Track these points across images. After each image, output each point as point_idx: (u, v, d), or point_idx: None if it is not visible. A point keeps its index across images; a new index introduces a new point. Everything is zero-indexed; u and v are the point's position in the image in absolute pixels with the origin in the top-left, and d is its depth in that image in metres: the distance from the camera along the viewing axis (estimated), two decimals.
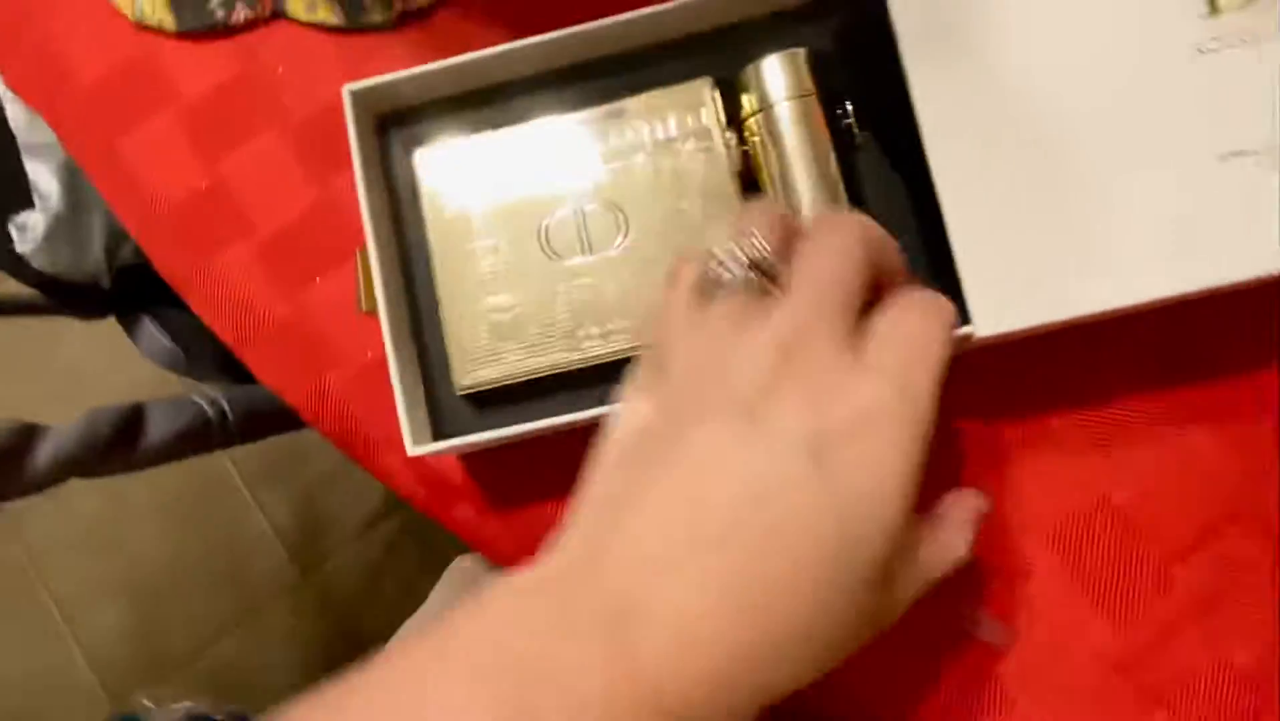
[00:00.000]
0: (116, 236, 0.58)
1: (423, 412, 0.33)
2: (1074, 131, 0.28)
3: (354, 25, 0.39)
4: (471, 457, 0.35)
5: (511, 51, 0.33)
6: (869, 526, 0.21)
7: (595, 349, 0.31)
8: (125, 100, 0.40)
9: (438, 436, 0.33)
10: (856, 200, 0.32)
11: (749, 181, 0.32)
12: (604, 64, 0.34)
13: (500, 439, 0.31)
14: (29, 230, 0.55)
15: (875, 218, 0.27)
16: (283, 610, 1.14)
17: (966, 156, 0.29)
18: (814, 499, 0.21)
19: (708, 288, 0.25)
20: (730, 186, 0.32)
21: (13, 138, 0.55)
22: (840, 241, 0.25)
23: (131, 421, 0.49)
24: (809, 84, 0.31)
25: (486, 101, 0.34)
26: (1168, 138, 0.28)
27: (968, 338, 0.29)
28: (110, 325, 0.64)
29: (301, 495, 1.18)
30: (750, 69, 0.32)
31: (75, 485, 1.14)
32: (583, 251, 0.32)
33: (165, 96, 0.40)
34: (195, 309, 0.40)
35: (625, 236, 0.32)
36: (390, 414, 0.31)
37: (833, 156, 0.31)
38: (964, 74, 0.29)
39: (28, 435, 0.42)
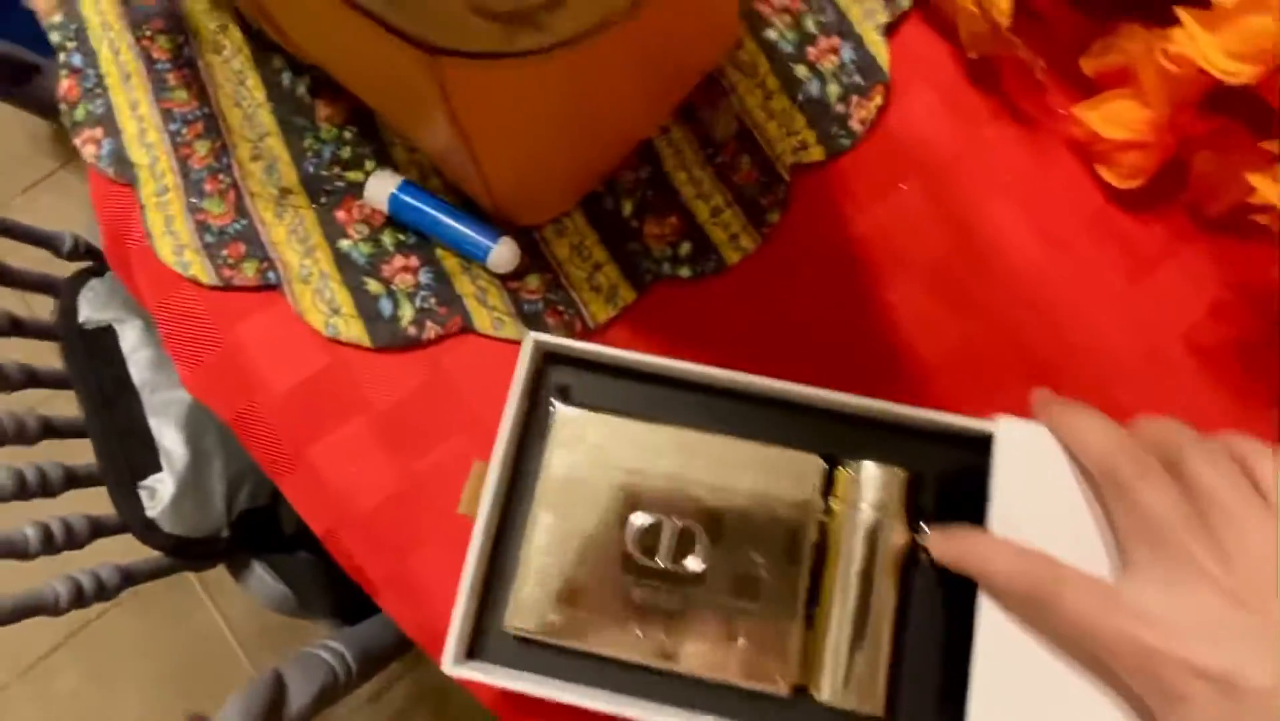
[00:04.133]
0: (233, 487, 0.59)
1: (468, 636, 0.35)
2: None
3: None
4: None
5: (670, 366, 0.37)
6: None
7: (635, 651, 0.34)
8: (317, 409, 0.42)
9: (480, 656, 0.35)
10: (901, 611, 0.34)
11: (820, 549, 0.35)
12: (740, 397, 0.37)
13: (525, 690, 0.33)
14: (158, 494, 0.56)
15: (910, 633, 0.33)
16: None
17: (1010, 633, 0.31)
18: None
19: None
20: (804, 557, 0.34)
21: (139, 399, 0.57)
22: None
23: (277, 691, 0.49)
24: (896, 503, 0.35)
25: (638, 378, 0.38)
26: None
27: None
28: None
29: None
30: (853, 465, 0.35)
31: (56, 663, 1.11)
32: (660, 557, 0.35)
33: (356, 405, 0.42)
34: (388, 609, 0.41)
35: (699, 561, 0.35)
36: None
37: (888, 569, 0.34)
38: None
39: None
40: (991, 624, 0.31)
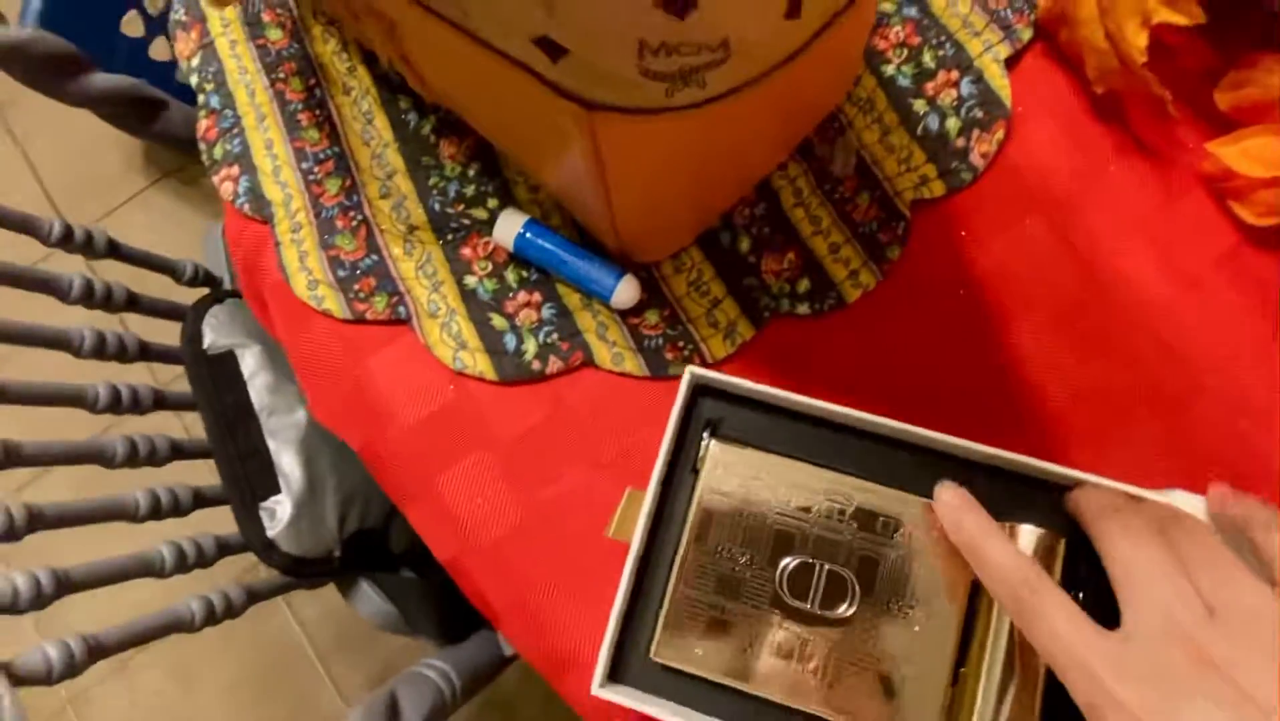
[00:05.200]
0: (344, 508, 0.61)
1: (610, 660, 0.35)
2: None
3: (656, 376, 0.43)
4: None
5: (827, 409, 0.36)
6: None
7: (777, 691, 0.34)
8: (444, 441, 0.43)
9: (622, 680, 0.35)
10: (1051, 676, 0.31)
11: (972, 607, 0.34)
12: (897, 445, 0.37)
13: (665, 719, 0.33)
14: (277, 515, 0.58)
15: (1059, 700, 0.30)
16: None
17: None
18: None
19: None
20: (956, 615, 0.34)
21: (259, 422, 0.59)
22: None
23: (391, 710, 0.51)
24: (1050, 568, 0.33)
25: (789, 416, 0.37)
26: None
27: None
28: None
29: (379, 666, 1.18)
30: (1010, 525, 0.34)
31: (145, 659, 1.16)
32: (809, 602, 0.35)
33: (482, 437, 0.43)
34: (510, 637, 0.42)
35: (849, 609, 0.34)
36: None
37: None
38: None
39: None
40: None
